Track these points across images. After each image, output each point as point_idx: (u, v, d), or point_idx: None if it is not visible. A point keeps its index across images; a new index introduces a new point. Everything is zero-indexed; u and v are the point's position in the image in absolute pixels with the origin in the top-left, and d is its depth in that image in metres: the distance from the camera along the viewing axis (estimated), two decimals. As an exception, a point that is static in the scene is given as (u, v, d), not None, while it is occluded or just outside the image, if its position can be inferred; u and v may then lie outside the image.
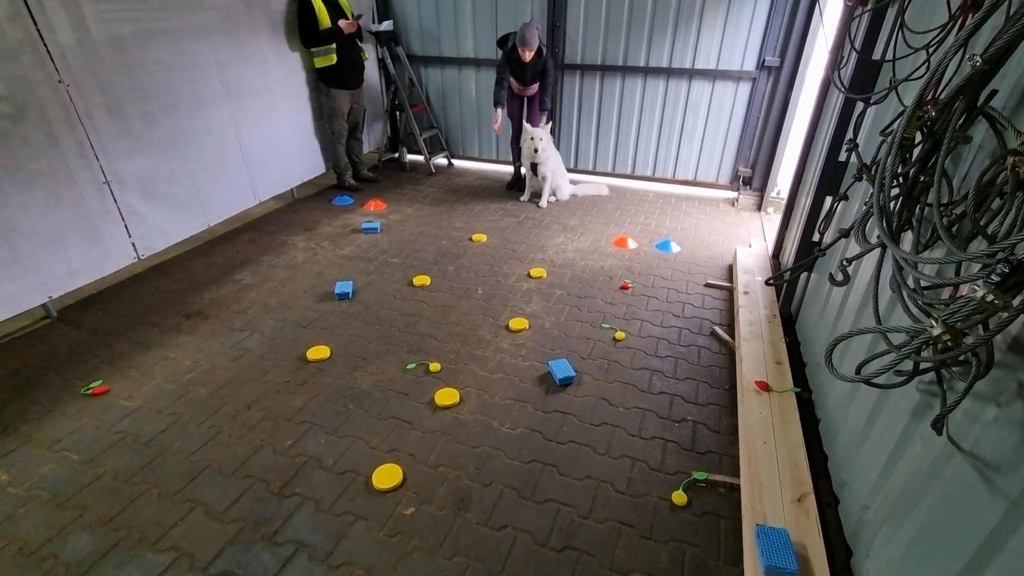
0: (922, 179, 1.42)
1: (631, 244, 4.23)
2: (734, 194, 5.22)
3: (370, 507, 2.02)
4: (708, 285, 3.66)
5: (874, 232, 1.79)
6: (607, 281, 3.70)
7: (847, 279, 1.85)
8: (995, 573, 1.07)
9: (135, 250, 3.46)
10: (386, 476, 2.12)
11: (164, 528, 1.92)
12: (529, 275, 3.76)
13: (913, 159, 1.49)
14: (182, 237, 3.83)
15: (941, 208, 1.19)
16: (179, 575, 1.77)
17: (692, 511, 2.04)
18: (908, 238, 1.58)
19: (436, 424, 2.42)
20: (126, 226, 3.38)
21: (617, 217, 4.80)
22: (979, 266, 1.03)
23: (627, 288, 3.60)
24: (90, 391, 2.55)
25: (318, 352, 2.85)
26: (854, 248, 2.04)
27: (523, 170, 5.42)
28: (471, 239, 4.30)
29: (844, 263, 1.83)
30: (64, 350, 2.88)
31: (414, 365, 2.79)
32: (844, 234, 1.79)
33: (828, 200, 2.66)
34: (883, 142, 1.62)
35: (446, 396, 2.56)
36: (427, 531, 1.94)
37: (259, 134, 4.39)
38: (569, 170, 5.80)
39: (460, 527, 1.96)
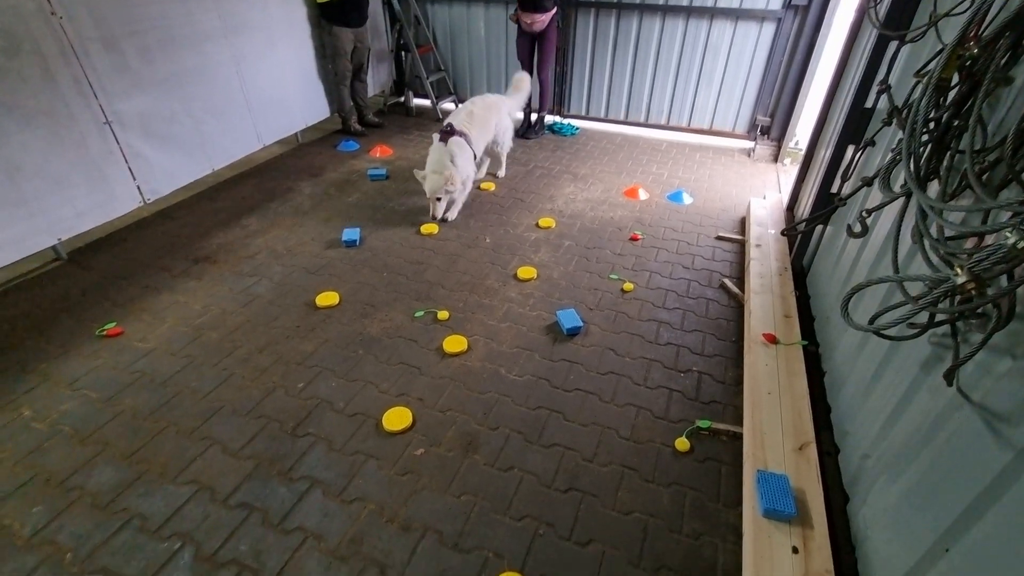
0: (956, 124, 1.35)
1: (642, 195, 4.15)
2: (751, 144, 5.05)
3: (381, 448, 2.09)
4: (719, 238, 3.60)
5: (898, 181, 1.73)
6: (616, 232, 3.64)
7: (865, 230, 1.80)
8: (992, 519, 1.10)
9: (141, 194, 3.43)
10: (396, 419, 2.18)
11: (184, 463, 2.00)
12: (538, 225, 3.71)
13: (947, 103, 1.42)
14: (187, 181, 3.78)
15: (974, 154, 1.13)
16: (201, 506, 1.85)
17: (694, 457, 2.09)
18: (934, 188, 1.52)
19: (444, 370, 2.46)
20: (130, 169, 3.33)
21: (629, 167, 4.68)
22: (1008, 216, 0.99)
23: (637, 239, 3.55)
24: (104, 332, 2.59)
25: (327, 298, 2.87)
26: (875, 199, 1.98)
27: (533, 116, 5.25)
28: (479, 187, 4.22)
29: (864, 214, 1.78)
30: (76, 292, 2.91)
31: (422, 313, 2.81)
32: (867, 182, 1.73)
33: (851, 149, 2.56)
34: (917, 84, 1.53)
35: (454, 343, 2.58)
36: (436, 471, 2.01)
37: (261, 74, 4.24)
38: (580, 117, 5.62)
39: (468, 468, 2.02)
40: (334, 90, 4.97)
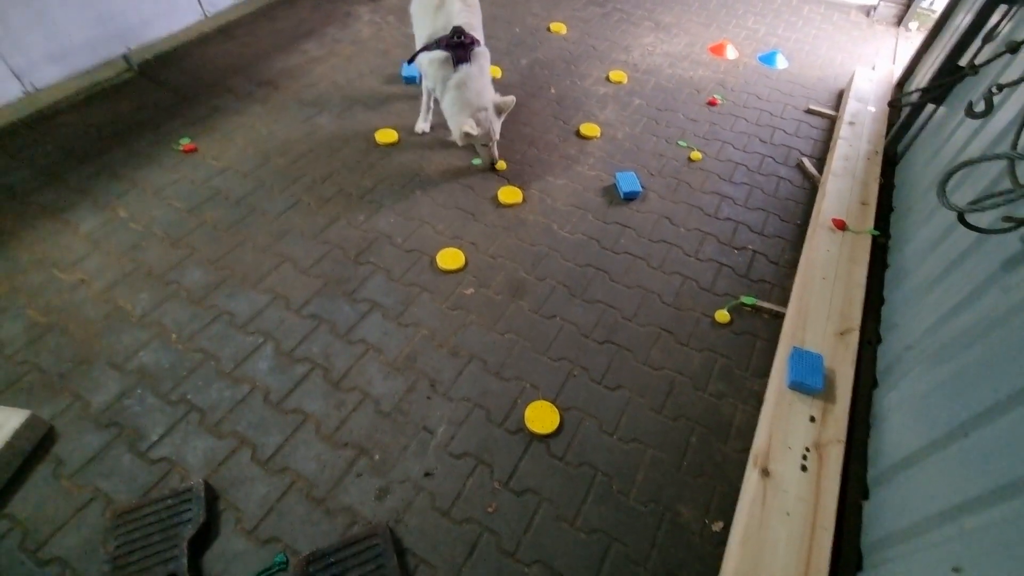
0: None
1: (730, 53, 3.69)
2: (874, 1, 4.27)
3: (434, 283, 2.24)
4: (809, 111, 3.25)
5: (1052, 53, 1.46)
6: (693, 94, 3.34)
7: (988, 110, 1.59)
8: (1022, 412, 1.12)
9: (200, 5, 3.31)
10: (450, 258, 2.29)
11: (261, 274, 2.22)
12: (608, 78, 3.42)
13: None
14: (245, -5, 3.60)
15: None
16: (279, 311, 2.10)
17: (732, 329, 2.15)
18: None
19: (498, 219, 2.51)
20: (188, -25, 3.18)
21: (721, 17, 4.10)
22: None
23: (715, 104, 3.25)
24: (181, 148, 2.72)
25: (386, 136, 2.86)
26: (1013, 73, 1.70)
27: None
28: (549, 29, 3.84)
29: (993, 90, 1.55)
30: (150, 105, 2.99)
31: (479, 160, 2.77)
32: (1012, 48, 1.47)
33: (1001, 10, 2.14)
34: None
35: (509, 194, 2.59)
36: (484, 310, 2.16)
37: None
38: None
39: (513, 311, 2.16)
40: None
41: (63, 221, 2.36)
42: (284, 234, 2.37)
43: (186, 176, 2.59)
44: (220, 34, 3.59)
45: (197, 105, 3.01)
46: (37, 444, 1.73)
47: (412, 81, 3.26)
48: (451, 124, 2.55)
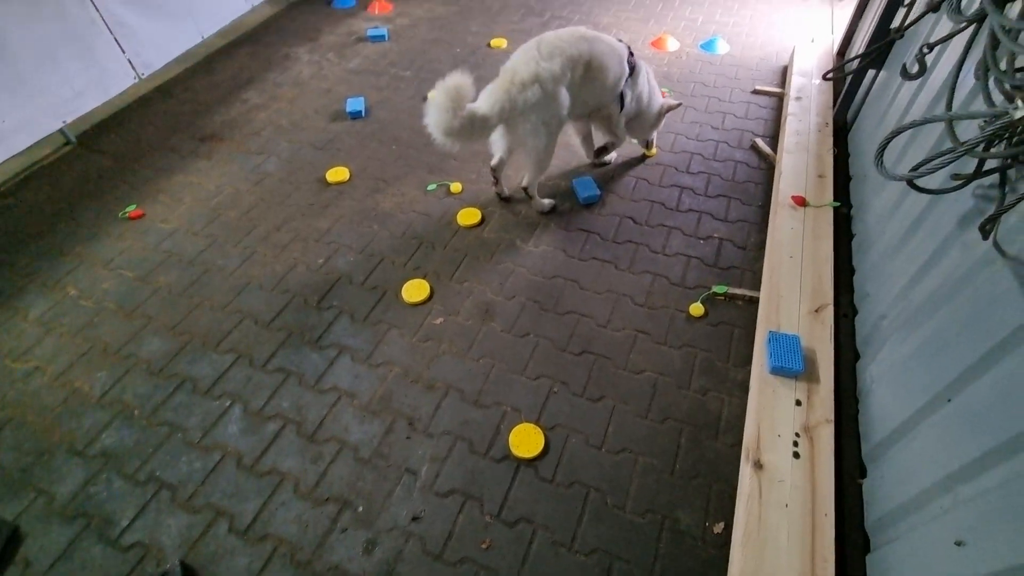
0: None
1: (671, 45, 3.72)
2: (804, -24, 4.34)
3: (401, 318, 2.18)
4: (756, 92, 3.27)
5: (972, 5, 1.47)
6: (641, 90, 3.33)
7: (923, 71, 1.58)
8: (997, 372, 1.09)
9: (133, 68, 3.25)
10: (414, 291, 2.24)
11: (222, 334, 2.14)
12: (555, 86, 3.41)
13: None
14: (178, 52, 3.54)
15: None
16: (243, 371, 2.02)
17: (707, 321, 2.12)
18: (1013, 12, 1.29)
19: (459, 243, 2.46)
20: (117, 40, 3.12)
21: (658, 11, 4.14)
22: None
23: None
24: (127, 215, 2.64)
25: (337, 175, 2.81)
26: (941, 31, 1.71)
27: None
28: (489, 45, 3.85)
29: (924, 49, 1.55)
30: (93, 176, 2.92)
31: (435, 186, 2.74)
32: (933, 7, 1.47)
33: (922, -29, 2.16)
34: None
35: (468, 216, 2.55)
36: (456, 337, 2.10)
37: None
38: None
39: (485, 334, 2.11)
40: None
41: (12, 308, 2.27)
42: (242, 289, 2.30)
43: (135, 243, 2.52)
44: (158, 93, 3.53)
45: (140, 169, 2.94)
46: (3, 547, 1.63)
47: (358, 116, 3.22)
48: (645, 133, 2.78)
